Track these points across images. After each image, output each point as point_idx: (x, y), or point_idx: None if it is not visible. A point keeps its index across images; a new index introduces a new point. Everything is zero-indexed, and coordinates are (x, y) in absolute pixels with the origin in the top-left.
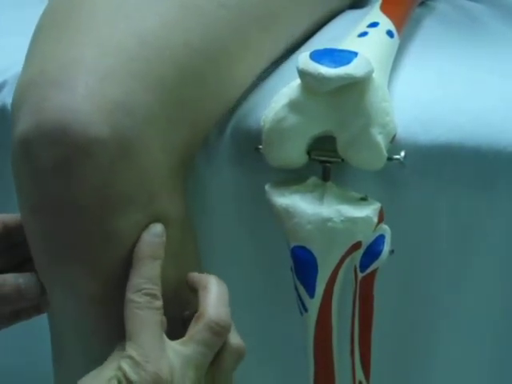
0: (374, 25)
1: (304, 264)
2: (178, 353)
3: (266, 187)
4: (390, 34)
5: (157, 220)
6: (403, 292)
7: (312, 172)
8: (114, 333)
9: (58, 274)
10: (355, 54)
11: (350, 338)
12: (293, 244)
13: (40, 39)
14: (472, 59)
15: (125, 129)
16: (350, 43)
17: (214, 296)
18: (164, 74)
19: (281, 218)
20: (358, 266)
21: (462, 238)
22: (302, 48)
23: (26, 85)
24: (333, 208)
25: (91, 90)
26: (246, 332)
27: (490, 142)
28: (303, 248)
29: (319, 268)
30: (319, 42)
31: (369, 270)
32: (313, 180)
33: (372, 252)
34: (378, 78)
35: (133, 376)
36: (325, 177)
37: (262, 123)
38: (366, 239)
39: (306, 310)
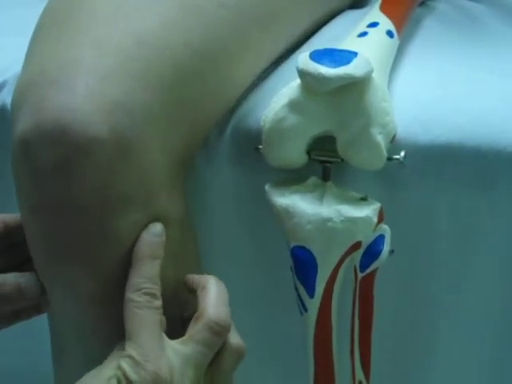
0: (373, 25)
1: (304, 264)
2: (177, 352)
3: (266, 187)
4: (389, 34)
5: (156, 220)
6: (403, 292)
7: (312, 172)
8: (113, 332)
9: (58, 273)
10: (355, 54)
11: (350, 338)
12: (293, 244)
13: (40, 39)
14: (472, 59)
15: (124, 129)
16: (349, 43)
17: (213, 296)
18: (163, 73)
19: (281, 218)
20: (357, 265)
21: (462, 238)
22: (302, 48)
23: (26, 85)
24: (333, 208)
25: (91, 90)
26: (246, 332)
27: (489, 142)
28: (303, 248)
29: (319, 268)
30: (319, 41)
31: (369, 270)
32: (313, 180)
33: (372, 252)
34: (378, 77)
35: (132, 375)
36: (325, 177)
37: (262, 123)
38: (366, 239)
39: (305, 310)
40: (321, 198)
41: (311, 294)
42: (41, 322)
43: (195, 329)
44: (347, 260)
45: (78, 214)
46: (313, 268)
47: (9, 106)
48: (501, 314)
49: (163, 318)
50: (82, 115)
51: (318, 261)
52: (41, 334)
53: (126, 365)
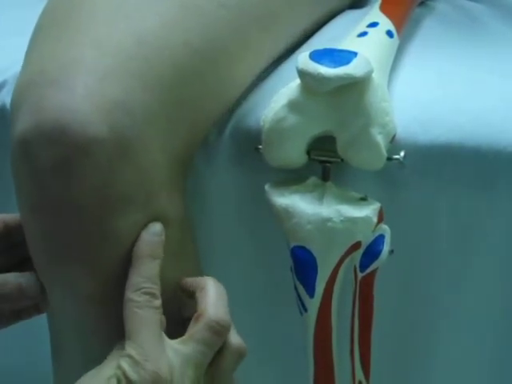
0: (373, 25)
1: (304, 264)
2: (177, 352)
3: (266, 187)
4: (389, 33)
5: (156, 219)
6: (403, 292)
7: (312, 172)
8: (113, 332)
9: (58, 273)
10: (355, 53)
11: (350, 338)
12: (292, 244)
13: (40, 38)
14: (472, 59)
15: (124, 128)
16: (349, 43)
17: (212, 296)
18: (163, 73)
19: (280, 218)
20: (357, 265)
21: (462, 238)
22: (302, 48)
23: (26, 84)
24: (332, 208)
25: (90, 90)
26: (246, 332)
27: (489, 142)
28: (303, 248)
29: (319, 268)
30: (319, 41)
31: (368, 270)
32: (312, 180)
33: (372, 252)
34: (378, 77)
35: (132, 375)
36: (324, 177)
37: (262, 123)
38: (366, 239)
39: (305, 310)
40: (321, 198)
41: (311, 294)
42: (41, 321)
43: (195, 328)
44: (347, 260)
45: (78, 213)
46: (313, 268)
47: (8, 106)
48: (501, 314)
49: (163, 318)
50: (82, 115)
51: (318, 261)
52: (41, 333)
53: (125, 364)
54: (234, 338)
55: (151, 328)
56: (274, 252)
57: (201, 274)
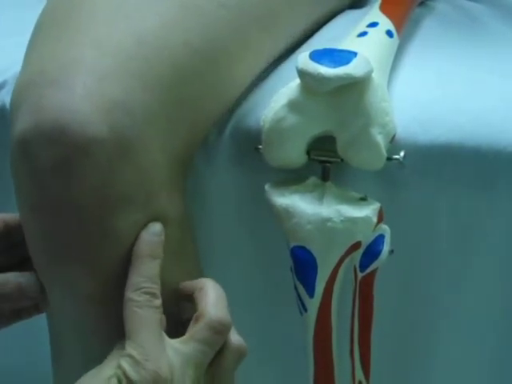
0: (373, 25)
1: (304, 264)
2: (177, 351)
3: (266, 187)
4: (389, 33)
5: (156, 219)
6: (403, 292)
7: (312, 172)
8: (113, 332)
9: (57, 273)
10: (355, 53)
11: (350, 338)
12: (292, 244)
13: (39, 38)
14: (472, 59)
15: (124, 128)
16: (349, 43)
17: (212, 296)
18: (163, 73)
19: (280, 218)
20: (357, 265)
21: (462, 238)
22: (302, 48)
23: (26, 84)
24: (332, 208)
25: (90, 90)
26: (246, 332)
27: (489, 142)
28: (303, 248)
29: (319, 268)
30: (319, 41)
31: (368, 270)
32: (312, 180)
33: (371, 252)
34: (378, 77)
35: (133, 375)
36: (324, 177)
37: (262, 123)
38: (366, 239)
39: (305, 310)
40: (320, 198)
41: (311, 294)
42: (41, 321)
43: (196, 328)
44: (347, 260)
45: (78, 213)
46: (313, 268)
47: (8, 106)
48: (501, 314)
49: (163, 317)
50: (82, 115)
51: (318, 261)
52: (41, 333)
53: (126, 364)
54: (235, 338)
55: (151, 328)
56: (274, 252)
57: (201, 273)
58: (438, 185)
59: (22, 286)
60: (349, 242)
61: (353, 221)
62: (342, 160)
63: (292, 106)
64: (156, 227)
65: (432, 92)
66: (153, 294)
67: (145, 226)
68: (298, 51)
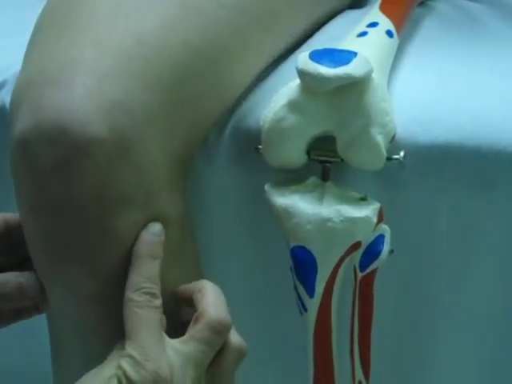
0: (373, 25)
1: (303, 264)
2: (177, 351)
3: (266, 187)
4: (389, 33)
5: (156, 219)
6: (403, 292)
7: (311, 172)
8: (113, 332)
9: (57, 273)
10: (354, 53)
11: (350, 338)
12: (292, 244)
13: (39, 38)
14: (472, 59)
15: (124, 128)
16: (349, 43)
17: (211, 296)
18: (163, 73)
19: (280, 218)
20: (357, 265)
21: (462, 238)
22: (302, 48)
23: (26, 84)
24: (332, 208)
25: (90, 90)
26: (246, 332)
27: (489, 142)
28: (303, 248)
29: (319, 268)
30: (319, 41)
31: (368, 270)
32: (312, 180)
33: (371, 252)
34: (378, 77)
35: (133, 375)
36: (324, 177)
37: (262, 123)
38: (366, 239)
39: (305, 310)
40: (320, 198)
41: (311, 294)
42: (41, 321)
43: (196, 328)
44: (347, 260)
45: (78, 213)
46: (312, 268)
47: (8, 106)
48: (501, 314)
49: (163, 318)
50: (82, 115)
51: (318, 261)
52: (41, 333)
53: (126, 364)
54: (235, 338)
55: (151, 328)
56: (274, 252)
57: (201, 273)
58: (438, 185)
59: (22, 285)
60: (349, 242)
61: (353, 221)
62: (342, 160)
63: (292, 106)
64: (156, 227)
65: (432, 92)
66: (153, 295)
67: (145, 226)
68: (297, 51)
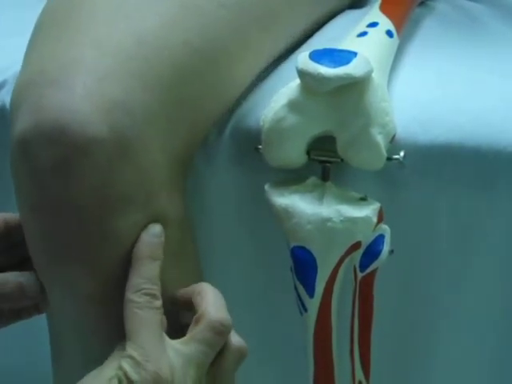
0: (373, 25)
1: (303, 264)
2: (178, 352)
3: (266, 187)
4: (389, 33)
5: (156, 220)
6: (403, 292)
7: (311, 172)
8: (113, 332)
9: (57, 273)
10: (354, 53)
11: (350, 338)
12: (292, 244)
13: (39, 38)
14: (472, 59)
15: (124, 128)
16: (349, 43)
17: (211, 298)
18: (163, 73)
19: (280, 218)
20: (357, 265)
21: (462, 238)
22: (302, 48)
23: (26, 84)
24: (332, 208)
25: (90, 90)
26: (246, 332)
27: (489, 142)
28: (303, 248)
29: (319, 268)
30: (319, 41)
31: (368, 270)
32: (312, 180)
33: (371, 252)
34: (378, 77)
35: (133, 375)
36: (324, 177)
37: (262, 123)
38: (366, 239)
39: (305, 310)
40: (320, 198)
41: (311, 294)
42: (41, 322)
43: (197, 329)
44: (347, 260)
45: (77, 213)
46: (312, 268)
47: (8, 106)
48: (501, 314)
49: (164, 318)
50: (82, 115)
51: (318, 261)
52: (41, 333)
53: (126, 365)
54: (235, 339)
55: (152, 328)
56: (274, 252)
57: (201, 274)
58: (438, 185)
59: (22, 285)
60: (349, 242)
61: (353, 221)
62: (342, 160)
63: (292, 106)
64: (156, 228)
65: (432, 92)
66: (153, 295)
67: (145, 226)
68: (297, 51)
